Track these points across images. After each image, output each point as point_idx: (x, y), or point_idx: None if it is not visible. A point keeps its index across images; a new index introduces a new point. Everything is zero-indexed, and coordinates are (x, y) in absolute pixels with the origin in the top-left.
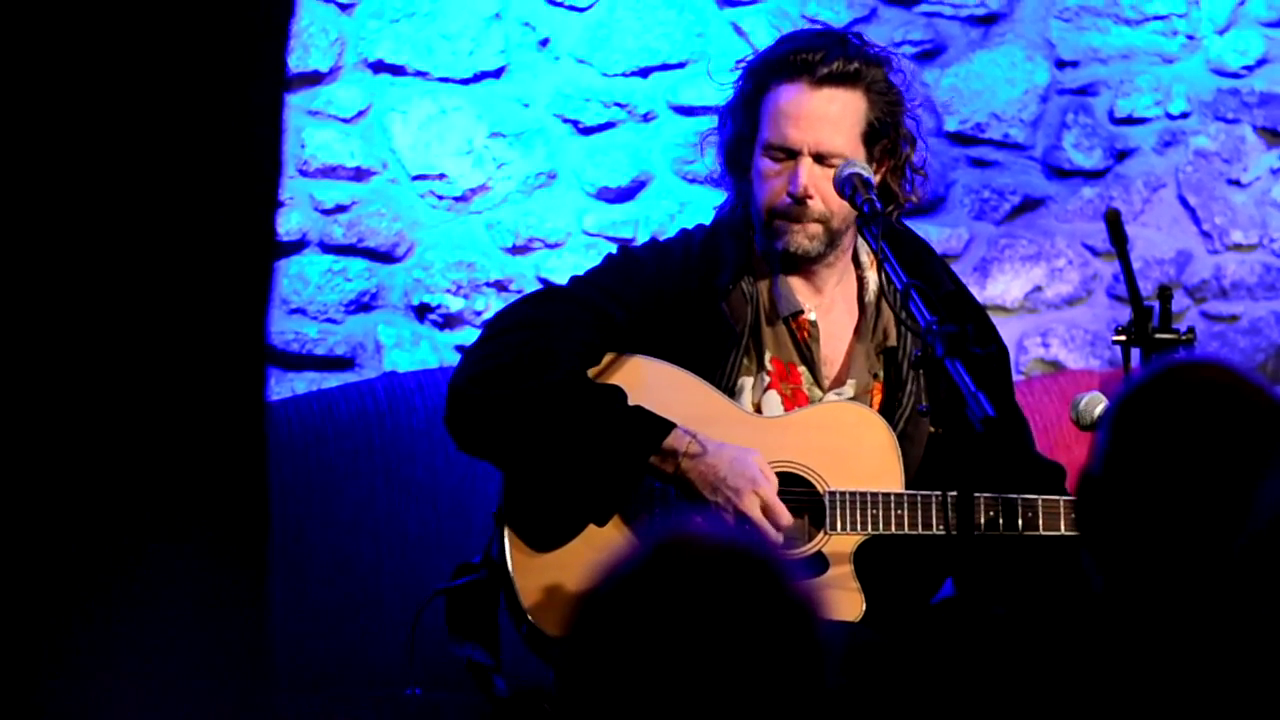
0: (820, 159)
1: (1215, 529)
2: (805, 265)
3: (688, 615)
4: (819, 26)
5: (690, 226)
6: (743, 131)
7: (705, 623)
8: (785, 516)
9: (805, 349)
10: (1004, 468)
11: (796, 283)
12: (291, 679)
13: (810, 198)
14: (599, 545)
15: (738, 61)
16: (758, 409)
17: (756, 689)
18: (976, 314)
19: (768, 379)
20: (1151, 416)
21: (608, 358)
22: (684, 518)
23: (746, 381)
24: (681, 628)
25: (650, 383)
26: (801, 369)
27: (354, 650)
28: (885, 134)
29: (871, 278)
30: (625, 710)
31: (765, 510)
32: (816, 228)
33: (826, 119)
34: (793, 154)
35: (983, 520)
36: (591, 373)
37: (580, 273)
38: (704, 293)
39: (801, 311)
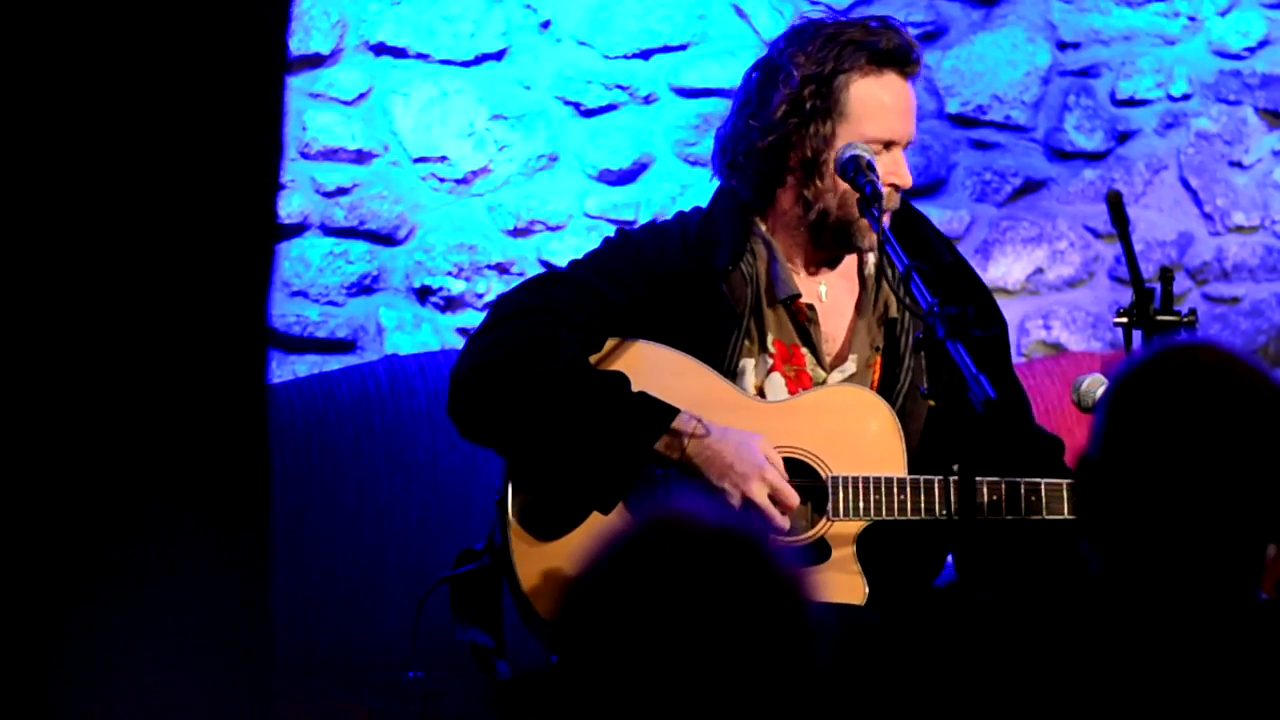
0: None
1: (1212, 512)
2: (843, 253)
3: (674, 594)
4: (824, 7)
5: (686, 209)
6: (821, 125)
7: (691, 601)
8: (793, 500)
9: (805, 331)
10: (1004, 443)
11: (801, 265)
12: (293, 662)
13: (903, 180)
14: (603, 532)
15: (795, 26)
16: (761, 391)
17: (744, 667)
18: (976, 287)
19: (771, 361)
20: (1148, 400)
21: (610, 343)
22: (684, 501)
23: (748, 363)
24: (668, 606)
25: (653, 368)
26: (804, 350)
27: (356, 633)
28: None
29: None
30: (616, 689)
31: (772, 496)
32: (887, 218)
33: (913, 109)
34: (889, 148)
35: (985, 503)
36: (594, 359)
37: (579, 257)
38: (703, 274)
39: (799, 295)
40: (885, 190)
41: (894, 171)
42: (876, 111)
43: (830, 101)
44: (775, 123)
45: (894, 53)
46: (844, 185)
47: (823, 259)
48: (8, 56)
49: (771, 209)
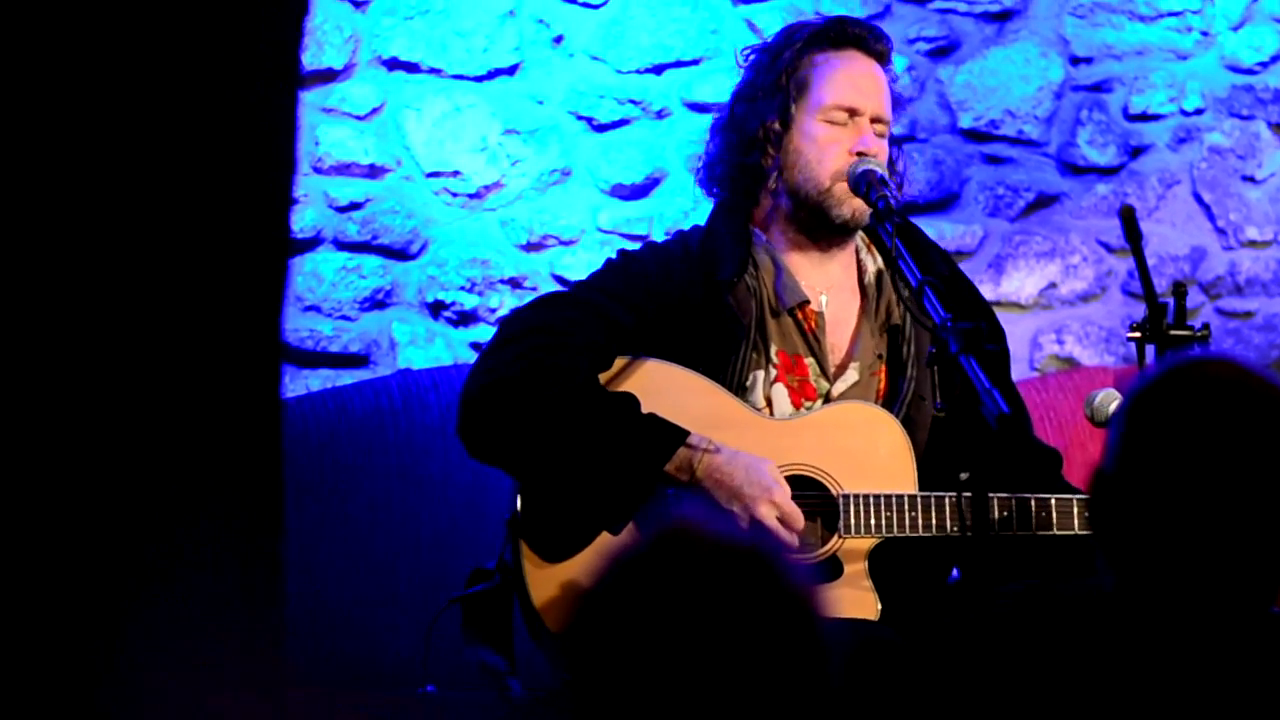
0: (876, 123)
1: (1226, 526)
2: (835, 242)
3: (686, 609)
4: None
5: (687, 228)
6: (784, 104)
7: (703, 617)
8: (800, 523)
9: (813, 339)
10: (1007, 456)
11: (804, 270)
12: (305, 676)
13: (876, 155)
14: (613, 550)
15: (746, 49)
16: (768, 402)
17: (757, 682)
18: (975, 299)
19: (775, 372)
20: (1161, 414)
21: (620, 362)
22: (694, 516)
23: (758, 375)
24: (680, 621)
25: (663, 388)
26: (809, 360)
27: (368, 648)
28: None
29: (868, 260)
30: (627, 704)
31: (781, 518)
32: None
33: (881, 88)
34: (853, 116)
35: (996, 519)
36: (603, 378)
37: (583, 278)
38: (708, 288)
39: (807, 301)
40: (853, 158)
41: (859, 141)
42: (833, 79)
43: (791, 84)
44: (748, 125)
45: (854, 36)
46: (807, 158)
47: (824, 252)
48: (21, 72)
49: (763, 212)
